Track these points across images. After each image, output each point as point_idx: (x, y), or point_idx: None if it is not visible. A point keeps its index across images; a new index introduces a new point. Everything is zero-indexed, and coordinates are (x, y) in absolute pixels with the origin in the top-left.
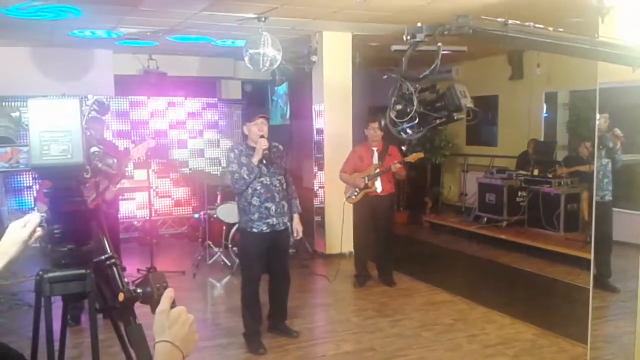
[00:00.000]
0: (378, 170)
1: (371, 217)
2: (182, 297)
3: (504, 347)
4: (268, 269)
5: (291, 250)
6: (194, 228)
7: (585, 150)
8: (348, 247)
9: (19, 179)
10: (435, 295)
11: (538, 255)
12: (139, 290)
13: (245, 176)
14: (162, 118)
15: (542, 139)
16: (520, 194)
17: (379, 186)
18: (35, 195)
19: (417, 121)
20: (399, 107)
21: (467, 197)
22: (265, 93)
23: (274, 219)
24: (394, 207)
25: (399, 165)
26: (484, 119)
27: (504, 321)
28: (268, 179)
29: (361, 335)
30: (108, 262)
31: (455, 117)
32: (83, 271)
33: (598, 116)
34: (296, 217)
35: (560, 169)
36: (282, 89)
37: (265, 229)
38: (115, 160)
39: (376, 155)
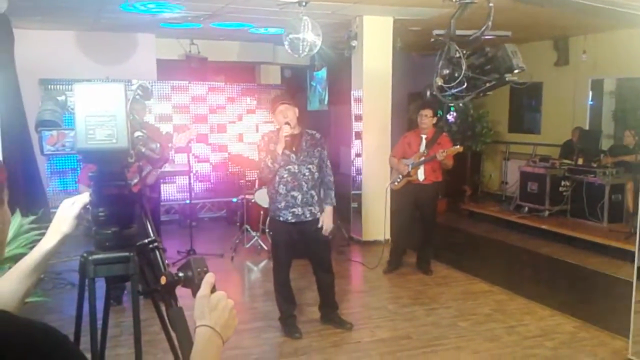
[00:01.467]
0: (422, 158)
1: (412, 205)
2: (220, 280)
3: (542, 339)
4: (310, 261)
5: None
6: (232, 212)
7: (629, 138)
8: (386, 234)
9: (63, 161)
10: (472, 285)
11: (580, 246)
12: (180, 274)
13: (269, 164)
14: (202, 102)
15: (587, 127)
16: (563, 183)
17: (420, 174)
18: (78, 176)
19: (465, 85)
20: (446, 71)
21: (507, 185)
22: (303, 78)
23: (299, 209)
24: (437, 195)
25: (444, 154)
26: (528, 106)
27: (544, 312)
28: (296, 166)
29: (396, 323)
30: (151, 246)
31: (507, 79)
32: (126, 254)
33: None
34: (328, 209)
35: (605, 158)
36: (321, 74)
37: (290, 218)
38: (159, 145)
39: (424, 142)
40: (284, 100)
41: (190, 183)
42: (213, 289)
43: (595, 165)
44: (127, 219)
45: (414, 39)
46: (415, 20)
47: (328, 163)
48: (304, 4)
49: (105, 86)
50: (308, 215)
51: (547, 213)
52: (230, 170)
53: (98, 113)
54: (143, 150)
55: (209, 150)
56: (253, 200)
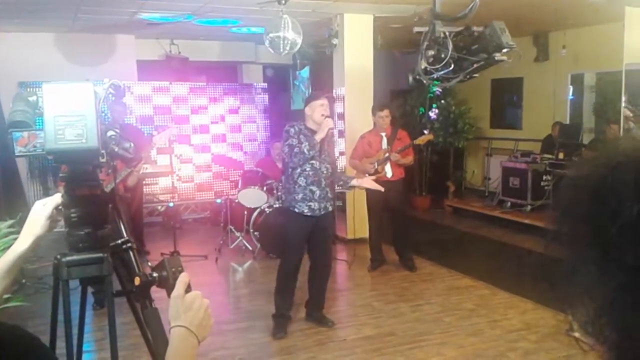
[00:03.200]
0: (387, 155)
1: (383, 201)
2: (204, 281)
3: (526, 332)
4: (309, 256)
5: None
6: (216, 213)
7: (611, 132)
8: (362, 232)
9: (42, 164)
10: (456, 280)
11: None
12: (155, 274)
13: (305, 150)
14: (183, 103)
15: (568, 122)
16: (544, 177)
17: (388, 171)
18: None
19: (452, 67)
20: (431, 52)
21: (490, 181)
22: (286, 77)
23: (316, 203)
24: (405, 191)
25: (397, 155)
26: (509, 102)
27: (527, 306)
28: (318, 163)
29: (382, 320)
30: (124, 246)
31: (496, 58)
32: (100, 255)
33: (624, 98)
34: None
35: (586, 152)
36: (304, 73)
37: (306, 211)
38: (132, 144)
39: (384, 140)
40: (329, 94)
41: (172, 184)
42: (188, 289)
43: (576, 159)
44: (100, 220)
45: (394, 36)
46: (395, 17)
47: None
48: (283, 2)
49: (74, 85)
50: (322, 211)
51: (529, 208)
52: (213, 170)
53: (67, 113)
54: (116, 149)
55: (192, 151)
56: (237, 201)
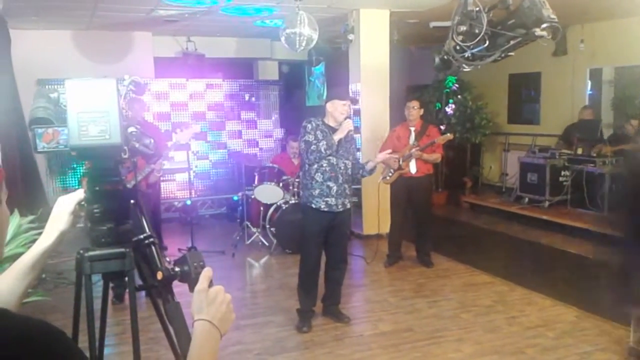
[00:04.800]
0: (413, 150)
1: (406, 198)
2: (221, 276)
3: (544, 329)
4: (325, 252)
5: None
6: (233, 208)
7: (630, 127)
8: (385, 228)
9: (62, 160)
10: (474, 277)
11: (581, 236)
12: (177, 269)
13: (322, 149)
14: (200, 99)
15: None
16: (563, 173)
17: (412, 167)
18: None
19: (486, 44)
20: (464, 28)
21: (507, 176)
22: (302, 74)
23: (333, 199)
24: (431, 188)
25: (418, 153)
26: (527, 96)
27: (545, 303)
28: (335, 159)
29: (398, 316)
30: (146, 241)
31: (536, 33)
32: (122, 250)
33: None
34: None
35: (605, 147)
36: (319, 69)
37: (323, 206)
38: (152, 140)
39: (413, 135)
40: (347, 98)
41: (190, 180)
42: (210, 284)
43: (595, 154)
44: (122, 215)
45: (411, 32)
46: (412, 12)
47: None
48: None
49: (97, 82)
50: (340, 207)
51: (547, 203)
52: (230, 166)
53: (90, 109)
54: (137, 145)
55: (208, 148)
56: (253, 197)
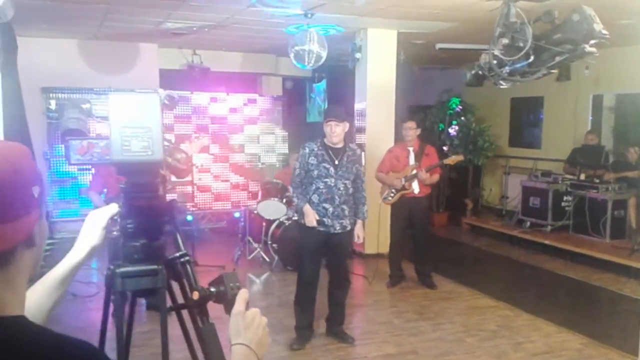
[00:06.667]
0: (415, 172)
1: (407, 217)
2: None
3: (550, 356)
4: (327, 271)
5: None
6: (233, 222)
7: (633, 155)
8: (384, 247)
9: (63, 170)
10: (477, 300)
11: (583, 262)
12: (212, 289)
13: (295, 198)
14: (204, 112)
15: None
16: (565, 198)
17: (415, 187)
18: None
19: (531, 59)
20: (505, 40)
21: (508, 199)
22: (304, 90)
23: (329, 220)
24: (430, 207)
25: (425, 175)
26: (529, 120)
27: (550, 329)
28: (333, 180)
29: (402, 338)
30: (182, 260)
31: (586, 50)
32: (154, 266)
33: None
34: (359, 223)
35: (608, 173)
36: (320, 86)
37: (319, 227)
38: (184, 155)
39: (412, 155)
40: (332, 118)
41: (192, 193)
42: (246, 306)
43: (597, 180)
44: (155, 231)
45: (416, 52)
46: (419, 33)
47: (363, 179)
48: (309, 16)
49: (140, 97)
50: (338, 228)
51: (549, 228)
52: (231, 180)
53: (133, 124)
54: (169, 160)
55: (210, 161)
56: (256, 212)
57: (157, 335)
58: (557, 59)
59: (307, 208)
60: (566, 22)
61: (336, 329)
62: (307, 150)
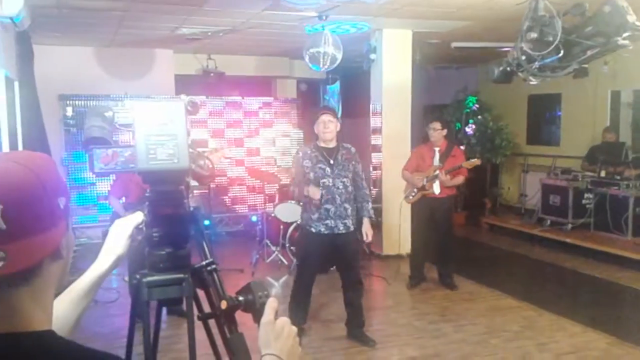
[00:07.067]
0: (436, 172)
1: (429, 218)
2: None
3: (575, 356)
4: (339, 274)
5: None
6: (250, 226)
7: None
8: (406, 248)
9: (82, 177)
10: (499, 300)
11: (604, 260)
12: (241, 298)
13: (294, 197)
14: (219, 117)
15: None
16: (586, 195)
17: (436, 188)
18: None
19: (561, 53)
20: (534, 35)
21: (527, 197)
22: (318, 92)
23: (332, 221)
24: (452, 209)
25: (445, 177)
26: (547, 117)
27: (575, 329)
28: (330, 179)
29: (425, 340)
30: (209, 268)
31: (618, 42)
32: (181, 275)
33: None
34: (366, 220)
35: (629, 170)
36: (334, 88)
37: (323, 229)
38: (207, 161)
39: (437, 155)
40: (326, 109)
41: (209, 197)
42: (275, 315)
43: (618, 177)
44: (181, 240)
45: (431, 52)
46: (433, 32)
47: (363, 176)
48: (324, 17)
49: (165, 104)
50: (341, 228)
51: (570, 226)
52: (247, 184)
53: (159, 132)
54: (193, 167)
55: (227, 165)
56: (273, 215)
57: (179, 340)
58: (589, 52)
59: (310, 186)
60: (597, 15)
61: (356, 331)
62: (300, 154)
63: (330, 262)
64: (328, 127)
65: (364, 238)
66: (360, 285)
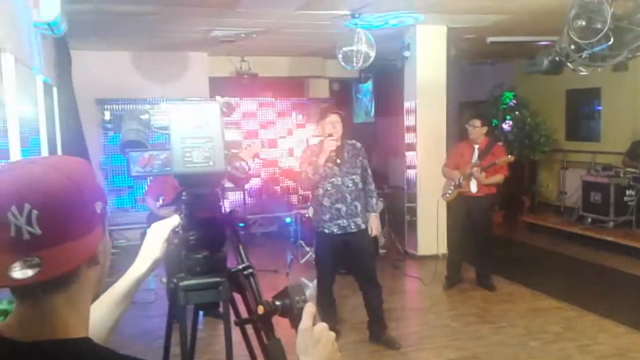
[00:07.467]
0: (472, 170)
1: (466, 217)
2: None
3: (619, 359)
4: (353, 275)
5: (381, 251)
6: (283, 227)
7: None
8: (442, 248)
9: (120, 180)
10: (539, 301)
11: None
12: (277, 303)
13: (310, 175)
14: (253, 118)
15: None
16: (627, 192)
17: (473, 186)
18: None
19: (611, 41)
20: (582, 22)
21: (566, 195)
22: (350, 91)
23: (344, 220)
24: (491, 208)
25: (478, 175)
26: (586, 113)
27: (618, 330)
28: (339, 178)
29: (463, 342)
30: (245, 272)
31: None
32: (217, 279)
33: None
34: (372, 216)
35: None
36: (366, 86)
37: (335, 230)
38: (243, 163)
39: (476, 153)
40: (336, 110)
41: (244, 198)
42: (314, 320)
43: None
44: (218, 243)
45: (466, 47)
46: (469, 28)
47: (369, 171)
48: (357, 15)
49: (200, 106)
50: (353, 227)
51: (611, 224)
52: (281, 185)
53: (194, 135)
54: (228, 169)
55: (260, 166)
56: (307, 215)
57: (215, 342)
58: None
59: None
60: None
61: (380, 335)
62: (308, 152)
63: (343, 263)
64: (336, 127)
65: (370, 232)
66: (378, 287)
